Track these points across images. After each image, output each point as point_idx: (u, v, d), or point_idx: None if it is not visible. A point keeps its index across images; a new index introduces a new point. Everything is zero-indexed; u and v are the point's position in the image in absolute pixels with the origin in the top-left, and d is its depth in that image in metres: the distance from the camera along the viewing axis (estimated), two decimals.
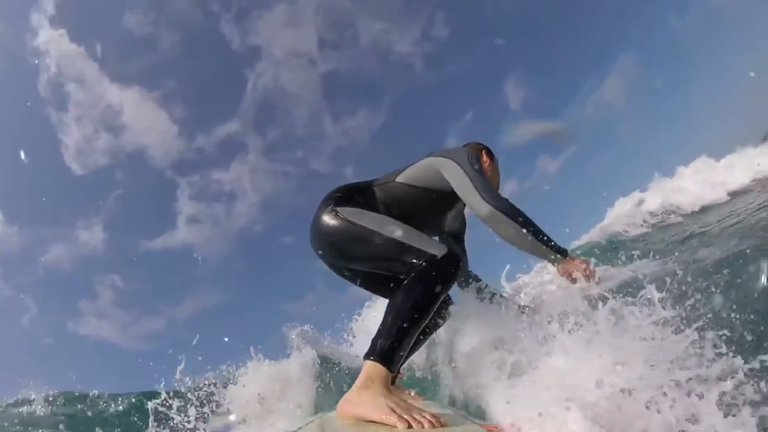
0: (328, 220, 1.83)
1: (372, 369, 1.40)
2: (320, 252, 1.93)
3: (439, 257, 1.59)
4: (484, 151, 2.17)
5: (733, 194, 5.08)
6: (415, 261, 1.61)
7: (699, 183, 5.70)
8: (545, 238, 1.77)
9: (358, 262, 1.87)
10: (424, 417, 1.22)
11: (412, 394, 2.14)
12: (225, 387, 2.49)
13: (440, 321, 2.13)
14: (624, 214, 5.58)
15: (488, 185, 1.81)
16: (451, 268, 1.58)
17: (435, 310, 1.56)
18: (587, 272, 1.82)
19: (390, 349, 1.42)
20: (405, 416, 1.22)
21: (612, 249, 4.37)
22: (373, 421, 1.27)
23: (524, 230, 1.73)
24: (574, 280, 1.85)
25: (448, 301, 2.13)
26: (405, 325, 1.45)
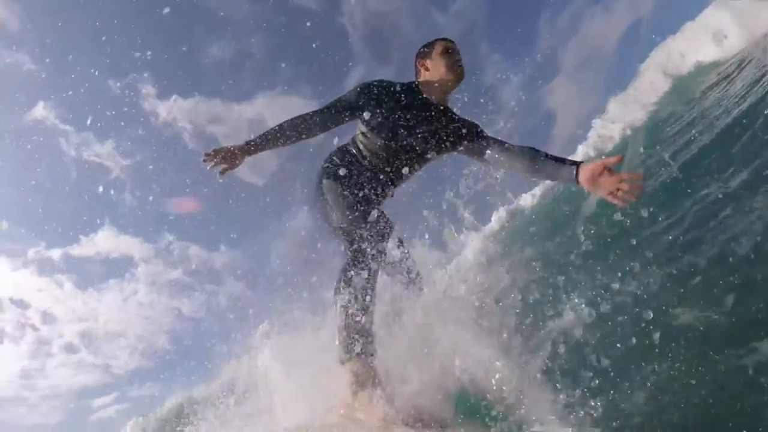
0: (315, 196, 2.02)
1: (351, 369, 1.46)
2: None
3: (354, 248, 1.70)
4: (418, 61, 2.05)
5: None
6: (344, 247, 1.78)
7: None
8: None
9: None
10: (421, 417, 1.27)
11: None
12: None
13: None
14: None
15: None
16: (363, 257, 1.67)
17: (365, 292, 1.61)
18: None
19: (348, 343, 1.50)
20: (402, 418, 1.29)
21: None
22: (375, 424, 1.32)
23: None
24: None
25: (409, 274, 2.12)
26: (345, 317, 1.56)
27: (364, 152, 2.01)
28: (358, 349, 1.47)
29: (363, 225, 1.75)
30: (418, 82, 2.01)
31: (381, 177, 2.02)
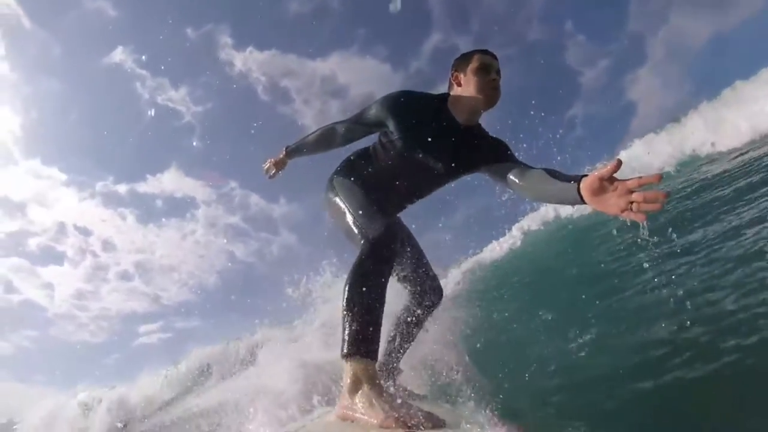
0: (326, 192, 2.01)
1: (352, 367, 1.41)
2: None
3: (370, 239, 1.60)
4: (452, 73, 1.91)
5: None
6: (359, 240, 1.67)
7: None
8: None
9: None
10: (421, 418, 1.27)
11: (407, 390, 2.16)
12: None
13: (418, 311, 2.12)
14: None
15: None
16: (380, 249, 1.58)
17: (378, 288, 1.52)
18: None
19: (352, 340, 1.42)
20: (402, 420, 1.26)
21: None
22: (374, 425, 1.30)
23: None
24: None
25: (426, 291, 2.11)
26: (353, 312, 1.45)
27: (382, 162, 1.98)
28: (361, 346, 1.42)
29: (377, 219, 1.69)
30: (449, 96, 1.91)
31: (396, 187, 1.99)
